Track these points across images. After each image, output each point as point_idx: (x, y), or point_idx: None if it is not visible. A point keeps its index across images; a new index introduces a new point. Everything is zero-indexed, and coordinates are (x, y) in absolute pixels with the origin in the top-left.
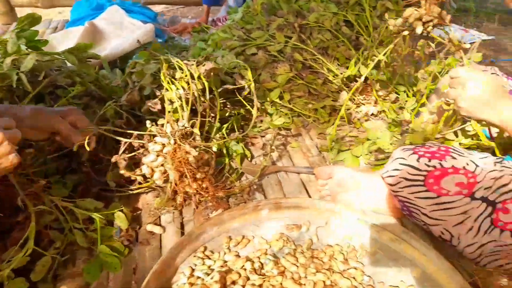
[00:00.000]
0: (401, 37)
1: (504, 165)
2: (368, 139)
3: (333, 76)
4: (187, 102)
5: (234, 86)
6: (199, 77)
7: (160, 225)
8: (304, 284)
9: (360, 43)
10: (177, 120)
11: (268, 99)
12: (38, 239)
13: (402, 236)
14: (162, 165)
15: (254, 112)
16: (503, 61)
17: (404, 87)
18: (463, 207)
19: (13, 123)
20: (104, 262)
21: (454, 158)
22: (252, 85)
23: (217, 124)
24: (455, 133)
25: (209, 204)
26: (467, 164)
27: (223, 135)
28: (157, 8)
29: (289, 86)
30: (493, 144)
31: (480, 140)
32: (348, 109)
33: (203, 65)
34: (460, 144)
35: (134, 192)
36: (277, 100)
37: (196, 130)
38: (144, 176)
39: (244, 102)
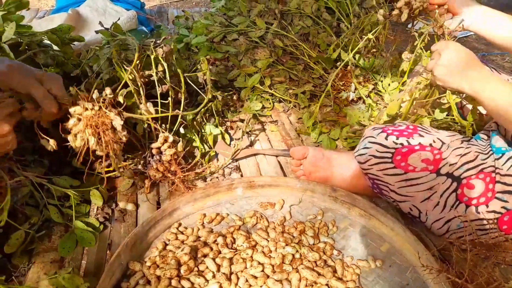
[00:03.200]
0: (383, 24)
1: (471, 143)
2: (347, 125)
3: (314, 63)
4: (142, 85)
5: (190, 74)
6: (156, 59)
7: (136, 203)
8: (274, 257)
9: (341, 29)
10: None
11: (248, 84)
12: (14, 215)
13: (370, 211)
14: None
15: (207, 96)
16: (493, 55)
17: (380, 75)
18: (429, 182)
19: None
20: (79, 237)
21: (421, 136)
22: (208, 74)
23: (191, 112)
24: (428, 112)
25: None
26: (434, 142)
27: (200, 119)
28: (152, 3)
29: (269, 71)
30: (465, 122)
31: (453, 116)
32: (328, 95)
33: (161, 47)
34: (432, 121)
35: (105, 175)
36: (258, 86)
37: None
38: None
39: (199, 91)
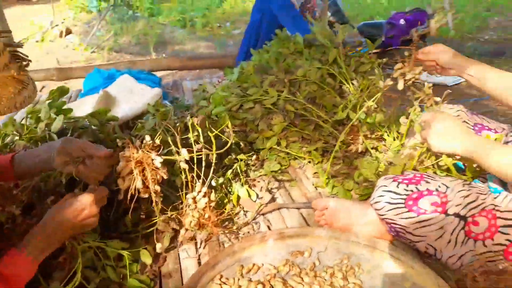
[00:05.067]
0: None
1: (471, 186)
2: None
3: (323, 122)
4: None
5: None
6: (192, 125)
7: (179, 259)
8: None
9: (343, 91)
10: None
11: (266, 146)
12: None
13: (392, 253)
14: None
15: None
16: (486, 99)
17: (385, 128)
18: (440, 223)
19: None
20: None
21: (427, 182)
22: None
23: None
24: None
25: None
26: (439, 186)
27: (227, 179)
28: (158, 74)
29: (284, 134)
30: (464, 177)
31: (452, 174)
32: (338, 150)
33: (196, 117)
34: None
35: (149, 230)
36: (275, 146)
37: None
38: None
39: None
